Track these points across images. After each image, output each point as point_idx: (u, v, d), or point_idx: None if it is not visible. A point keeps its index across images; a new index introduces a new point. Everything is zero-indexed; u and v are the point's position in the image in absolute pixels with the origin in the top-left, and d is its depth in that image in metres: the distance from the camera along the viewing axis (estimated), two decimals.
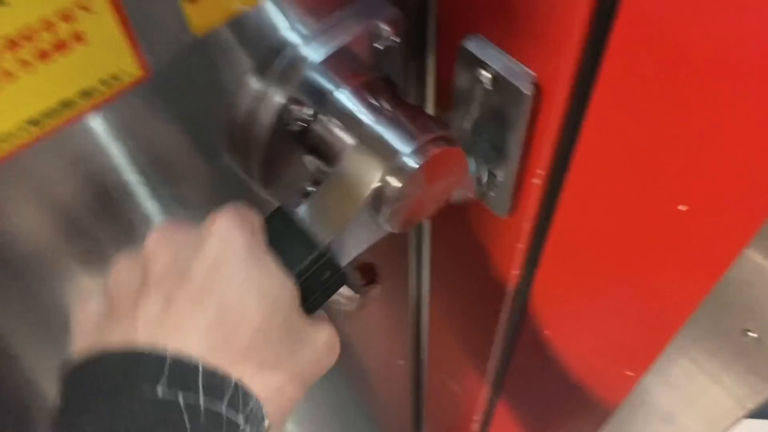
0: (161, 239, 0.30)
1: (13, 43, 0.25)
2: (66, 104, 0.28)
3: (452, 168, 0.38)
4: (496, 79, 0.37)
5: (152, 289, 0.28)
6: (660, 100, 0.32)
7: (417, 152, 0.34)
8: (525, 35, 0.36)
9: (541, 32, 0.35)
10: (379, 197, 0.35)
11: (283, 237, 0.32)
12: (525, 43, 0.36)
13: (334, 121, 0.37)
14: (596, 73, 0.35)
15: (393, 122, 0.36)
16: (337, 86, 0.37)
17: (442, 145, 0.36)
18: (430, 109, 0.47)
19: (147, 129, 0.33)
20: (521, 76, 0.36)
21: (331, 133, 0.37)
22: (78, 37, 0.26)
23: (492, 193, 0.45)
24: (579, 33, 0.33)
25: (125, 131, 0.32)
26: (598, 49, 0.33)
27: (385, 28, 0.37)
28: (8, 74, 0.25)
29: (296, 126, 0.37)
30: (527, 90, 0.36)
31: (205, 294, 0.28)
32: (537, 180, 0.42)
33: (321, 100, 0.37)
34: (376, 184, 0.34)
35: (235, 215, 0.30)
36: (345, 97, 0.37)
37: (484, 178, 0.43)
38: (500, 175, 0.43)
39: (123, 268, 0.30)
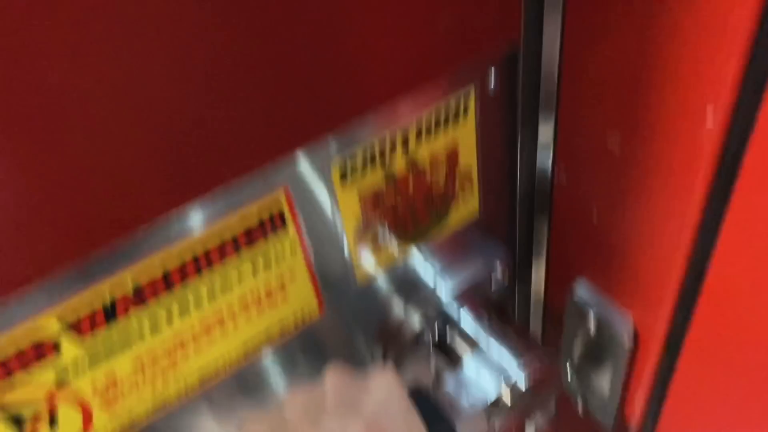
0: (337, 377, 0.37)
1: (243, 300, 0.37)
2: (267, 335, 0.39)
3: (552, 382, 0.45)
4: (600, 323, 0.45)
5: (330, 414, 0.34)
6: (745, 349, 0.38)
7: (524, 373, 0.43)
8: (627, 287, 0.44)
9: (640, 286, 0.42)
10: (491, 409, 0.43)
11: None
12: (626, 293, 0.44)
13: (458, 336, 0.47)
14: (689, 321, 0.41)
15: (505, 343, 0.45)
16: (461, 307, 0.47)
17: (545, 366, 0.44)
18: (537, 326, 0.55)
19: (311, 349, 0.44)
20: (622, 323, 0.44)
21: (455, 347, 0.47)
22: (284, 295, 0.38)
23: (597, 406, 0.51)
24: (674, 289, 0.40)
25: (299, 350, 0.43)
26: (691, 301, 0.40)
27: (500, 265, 0.47)
28: (234, 316, 0.37)
29: (428, 338, 0.47)
30: (627, 337, 0.43)
31: (373, 426, 0.34)
32: (639, 400, 0.48)
33: (449, 320, 0.47)
34: (489, 399, 0.42)
35: (396, 375, 0.38)
36: (467, 320, 0.47)
37: (589, 393, 0.50)
38: (605, 391, 0.50)
39: (301, 396, 0.36)
